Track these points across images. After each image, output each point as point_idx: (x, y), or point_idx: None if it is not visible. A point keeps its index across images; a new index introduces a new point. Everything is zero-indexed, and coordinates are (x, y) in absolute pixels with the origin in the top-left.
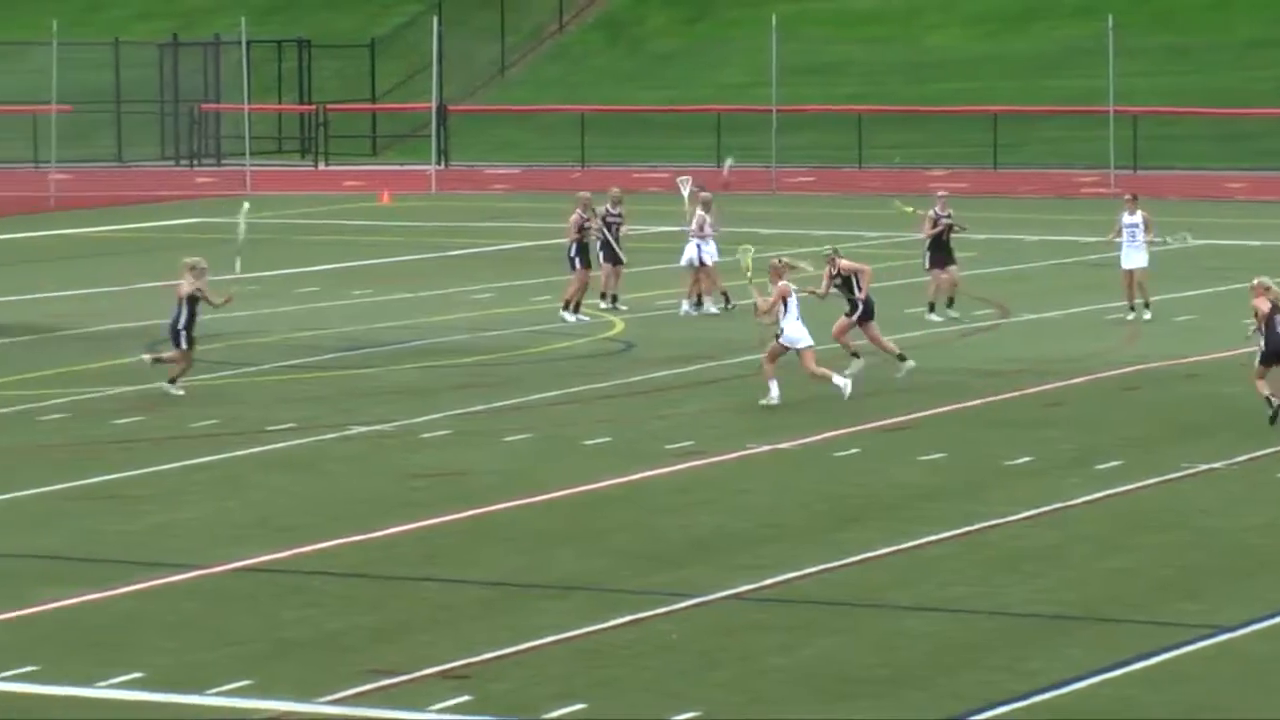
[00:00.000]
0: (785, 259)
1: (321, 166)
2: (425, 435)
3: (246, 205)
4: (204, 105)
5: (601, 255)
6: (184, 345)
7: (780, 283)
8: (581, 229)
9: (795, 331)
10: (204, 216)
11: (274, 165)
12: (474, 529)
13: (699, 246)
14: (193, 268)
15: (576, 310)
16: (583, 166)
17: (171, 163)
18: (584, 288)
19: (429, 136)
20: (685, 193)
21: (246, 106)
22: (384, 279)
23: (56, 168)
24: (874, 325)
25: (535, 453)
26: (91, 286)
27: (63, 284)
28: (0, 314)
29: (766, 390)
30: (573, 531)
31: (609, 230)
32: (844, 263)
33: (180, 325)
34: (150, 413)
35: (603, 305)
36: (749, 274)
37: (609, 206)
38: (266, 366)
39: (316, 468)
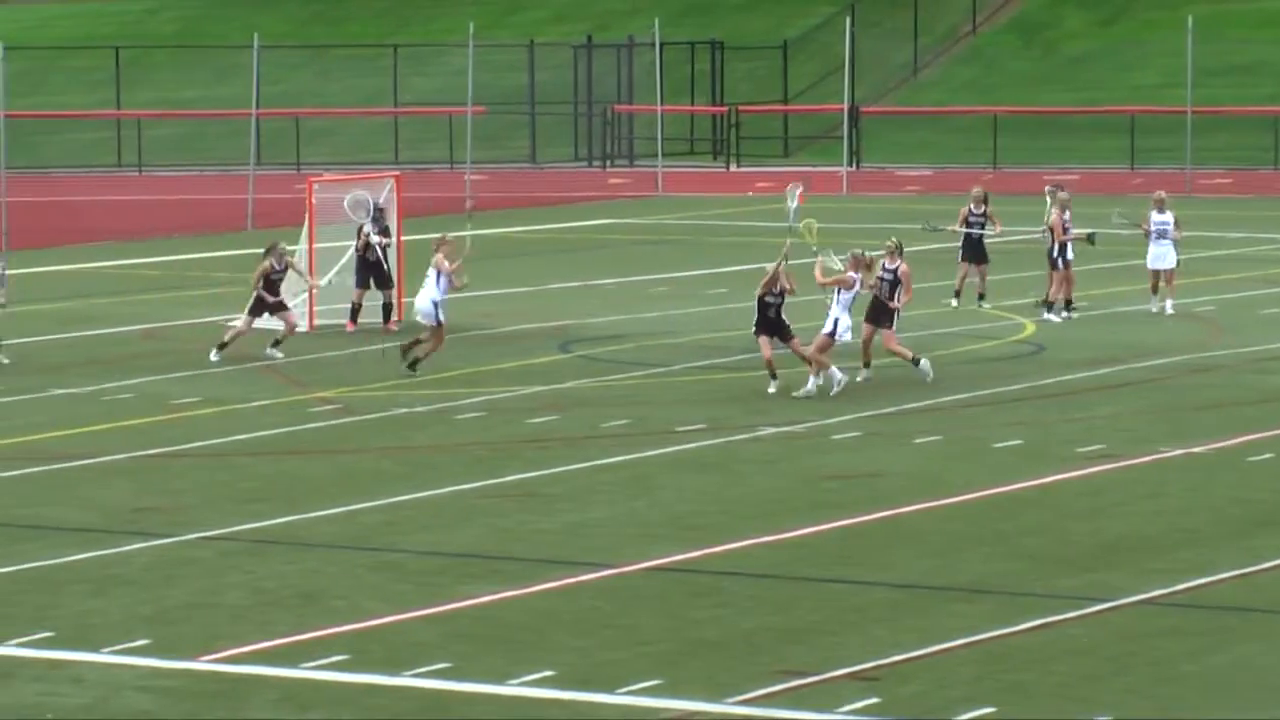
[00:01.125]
0: (866, 254)
1: (733, 168)
2: (836, 436)
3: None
4: (617, 106)
5: (960, 254)
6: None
7: (850, 273)
8: (966, 222)
9: (845, 322)
10: (617, 217)
11: (685, 166)
12: (885, 530)
13: (1063, 248)
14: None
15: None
16: (994, 168)
17: (584, 164)
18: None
19: (841, 138)
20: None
21: (659, 108)
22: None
23: (472, 169)
24: (891, 333)
25: (945, 454)
26: (507, 286)
27: (480, 284)
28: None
29: (824, 376)
30: (982, 534)
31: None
32: (904, 266)
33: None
34: (563, 413)
35: (984, 306)
36: (814, 244)
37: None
38: (676, 367)
39: (727, 468)
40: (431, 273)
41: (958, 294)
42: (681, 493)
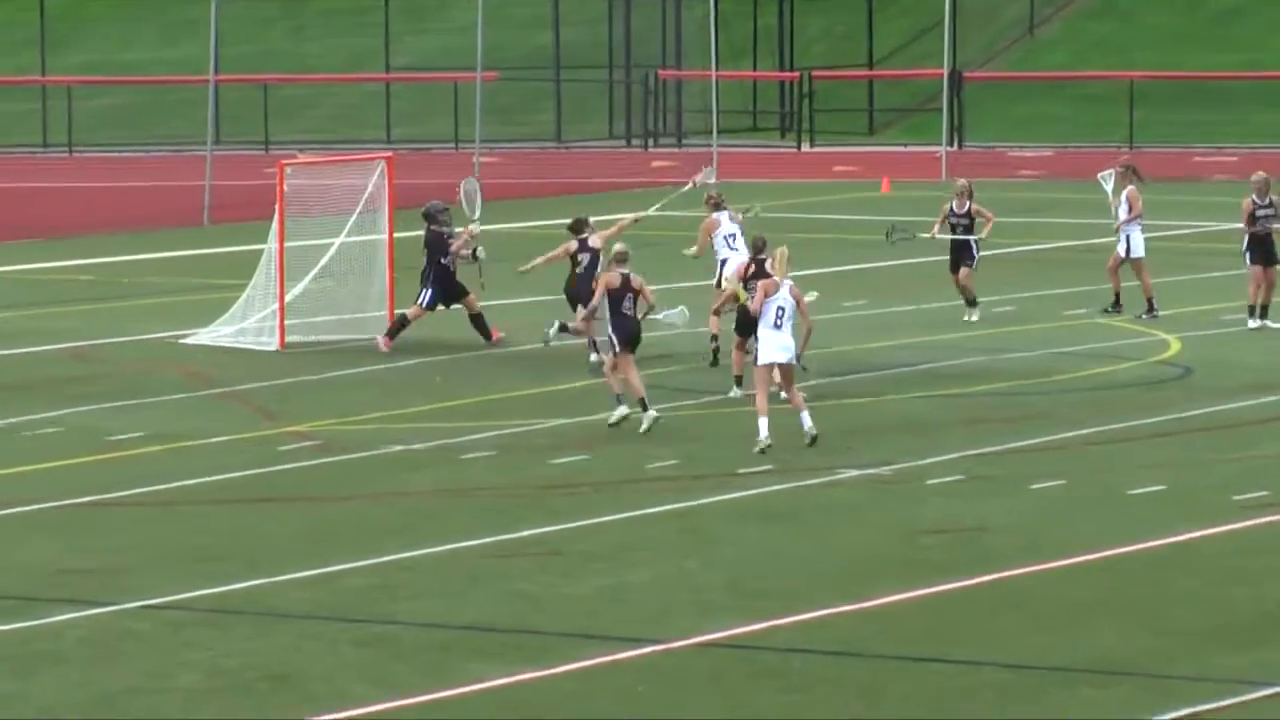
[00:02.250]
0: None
1: (805, 148)
2: (932, 481)
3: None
4: (662, 72)
5: (1249, 257)
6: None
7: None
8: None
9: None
10: (663, 210)
11: (747, 146)
12: (991, 597)
13: (1129, 237)
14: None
15: (1263, 315)
16: (1130, 147)
17: (621, 143)
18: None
19: (939, 110)
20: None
21: (714, 73)
22: (880, 287)
23: (483, 148)
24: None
25: (1068, 503)
26: (525, 294)
27: (493, 291)
28: (416, 328)
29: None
30: (1115, 602)
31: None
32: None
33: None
34: (593, 450)
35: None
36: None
37: (1254, 198)
38: (736, 394)
39: (798, 519)
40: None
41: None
42: (743, 550)
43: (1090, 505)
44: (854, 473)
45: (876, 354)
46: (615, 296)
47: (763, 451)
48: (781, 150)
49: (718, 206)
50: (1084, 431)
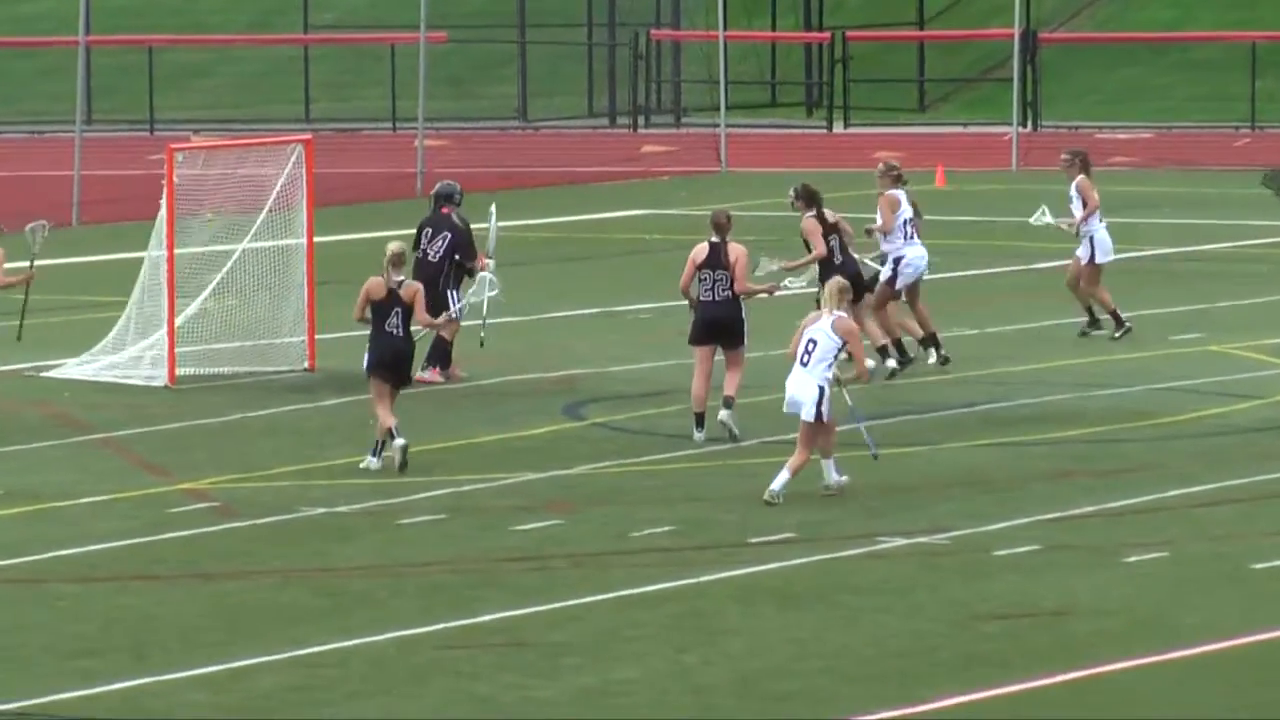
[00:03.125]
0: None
1: (838, 128)
2: (1000, 552)
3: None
4: (655, 32)
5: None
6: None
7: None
8: None
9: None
10: (655, 206)
11: (764, 126)
12: (1078, 699)
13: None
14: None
15: None
16: (1253, 128)
17: (603, 122)
18: None
19: (1008, 81)
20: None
21: (721, 34)
22: (930, 304)
23: (428, 129)
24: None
25: (1175, 581)
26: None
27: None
28: (345, 355)
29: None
30: (1239, 704)
31: None
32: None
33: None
34: (571, 514)
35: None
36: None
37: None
38: (749, 442)
39: (829, 601)
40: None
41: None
42: (756, 641)
43: (1204, 583)
44: (900, 541)
45: (929, 391)
46: (379, 309)
47: (768, 503)
48: (808, 131)
49: (898, 180)
50: (1194, 489)
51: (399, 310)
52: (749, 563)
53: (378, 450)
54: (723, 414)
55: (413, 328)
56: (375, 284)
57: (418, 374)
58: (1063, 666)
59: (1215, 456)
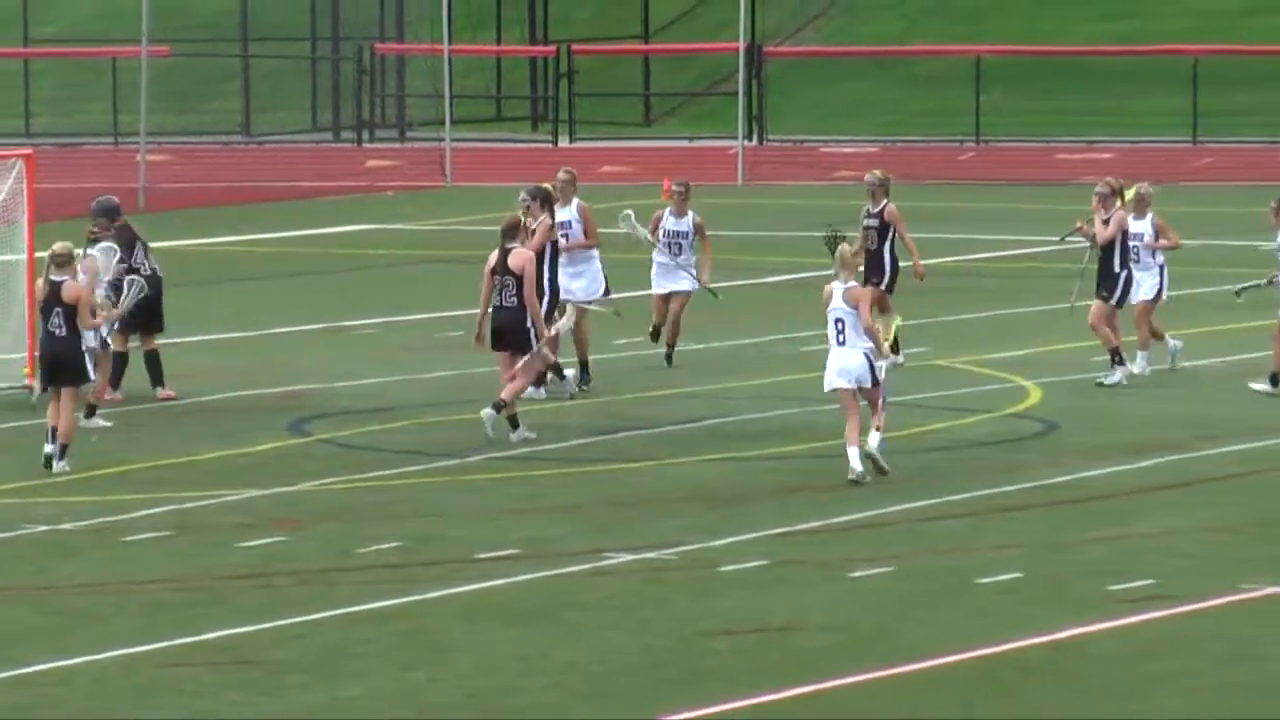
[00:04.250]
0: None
1: (564, 143)
2: (728, 567)
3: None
4: (379, 46)
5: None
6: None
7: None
8: None
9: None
10: (380, 221)
11: (489, 140)
12: (808, 713)
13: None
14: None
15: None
16: (978, 142)
17: (328, 136)
18: None
19: (734, 95)
20: (632, 231)
21: (446, 48)
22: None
23: (150, 144)
24: None
25: (902, 596)
26: (207, 331)
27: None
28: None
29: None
30: (970, 719)
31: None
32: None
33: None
34: (296, 531)
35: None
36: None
37: None
38: (474, 458)
39: (554, 618)
40: None
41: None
42: (483, 658)
43: (930, 598)
44: (627, 557)
45: (656, 406)
46: (43, 309)
47: (854, 482)
48: (534, 145)
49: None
50: (920, 504)
51: (60, 310)
52: (475, 579)
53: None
54: (485, 411)
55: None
56: (40, 285)
57: (159, 391)
58: (791, 681)
59: (940, 471)
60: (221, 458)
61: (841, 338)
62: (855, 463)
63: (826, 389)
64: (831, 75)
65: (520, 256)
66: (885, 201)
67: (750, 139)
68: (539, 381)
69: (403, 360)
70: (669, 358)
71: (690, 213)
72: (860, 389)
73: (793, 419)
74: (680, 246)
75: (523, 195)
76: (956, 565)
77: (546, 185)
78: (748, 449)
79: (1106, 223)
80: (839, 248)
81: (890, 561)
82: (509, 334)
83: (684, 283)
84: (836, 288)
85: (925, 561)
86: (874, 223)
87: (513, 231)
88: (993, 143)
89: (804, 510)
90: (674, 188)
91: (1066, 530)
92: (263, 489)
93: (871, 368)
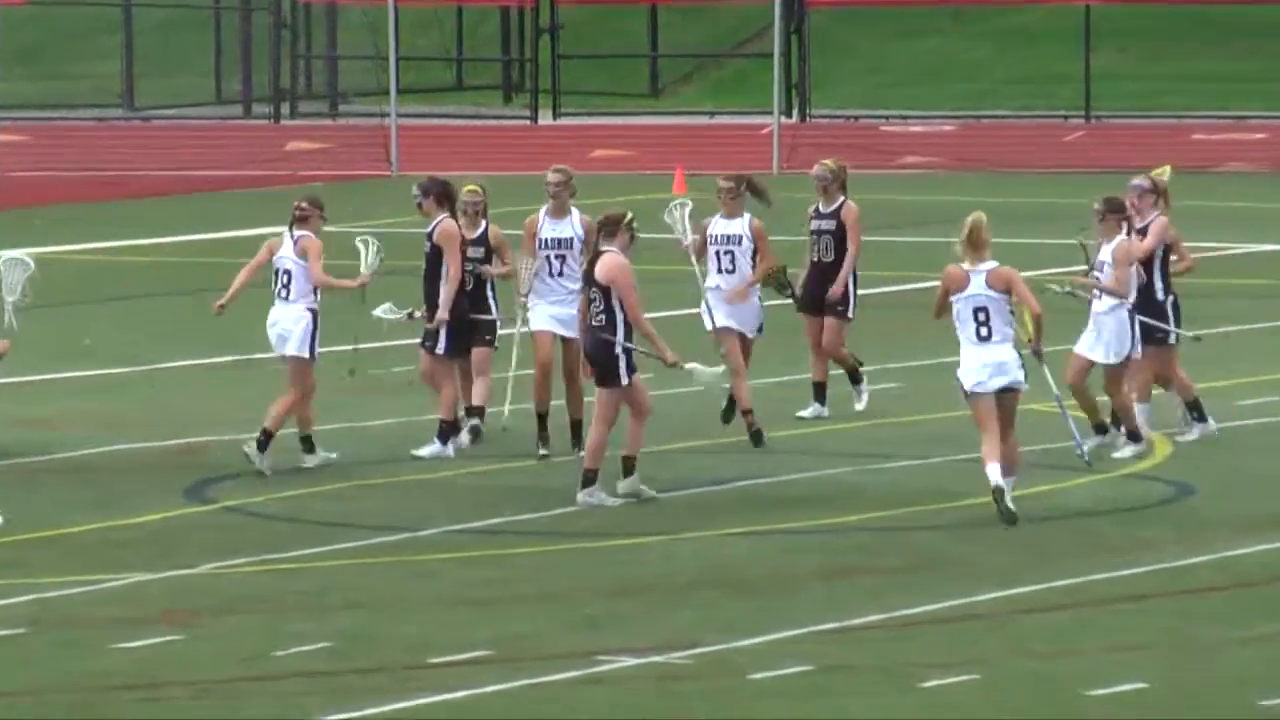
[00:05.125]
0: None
1: (546, 119)
2: (759, 674)
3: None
4: None
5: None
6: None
7: None
8: None
9: None
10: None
11: (448, 117)
12: None
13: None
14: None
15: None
16: (1086, 118)
17: (237, 110)
18: None
19: (768, 57)
20: (674, 225)
21: None
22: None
23: (3, 121)
24: None
25: (988, 711)
26: (91, 367)
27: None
28: None
29: None
30: None
31: None
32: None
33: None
34: (190, 627)
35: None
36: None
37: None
38: (427, 532)
39: None
40: None
41: None
42: None
43: (1025, 715)
44: (628, 661)
45: (666, 462)
46: None
47: (1006, 516)
48: (507, 123)
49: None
50: (1013, 592)
51: None
52: (429, 691)
53: None
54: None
55: None
56: None
57: None
58: None
59: (1040, 548)
60: (97, 530)
61: (985, 329)
62: (996, 478)
63: (969, 389)
64: (895, 29)
65: (611, 264)
66: (843, 199)
67: (789, 114)
68: (452, 433)
69: (335, 404)
70: (756, 437)
71: (746, 215)
72: (998, 398)
73: (844, 480)
74: (733, 256)
75: (415, 190)
76: (1059, 672)
77: (444, 177)
78: (785, 519)
79: (1144, 232)
80: (969, 220)
81: (972, 667)
82: (591, 362)
83: (750, 318)
84: (974, 272)
85: (1018, 667)
86: (828, 225)
87: (612, 228)
88: (1106, 119)
89: (858, 600)
90: (722, 183)
91: (1204, 628)
92: (150, 572)
93: (1022, 365)
